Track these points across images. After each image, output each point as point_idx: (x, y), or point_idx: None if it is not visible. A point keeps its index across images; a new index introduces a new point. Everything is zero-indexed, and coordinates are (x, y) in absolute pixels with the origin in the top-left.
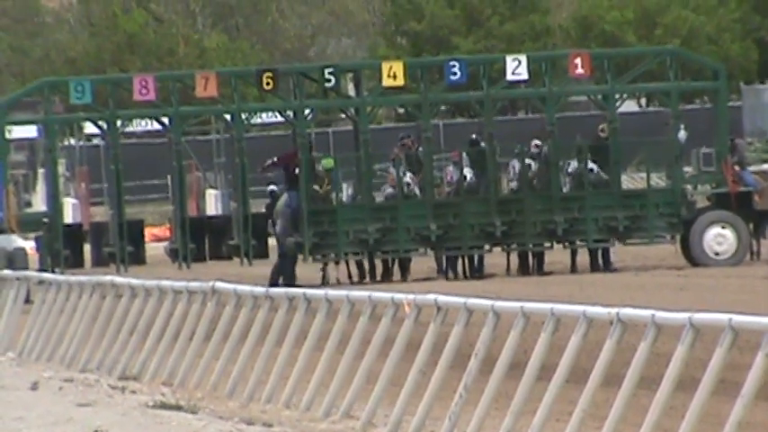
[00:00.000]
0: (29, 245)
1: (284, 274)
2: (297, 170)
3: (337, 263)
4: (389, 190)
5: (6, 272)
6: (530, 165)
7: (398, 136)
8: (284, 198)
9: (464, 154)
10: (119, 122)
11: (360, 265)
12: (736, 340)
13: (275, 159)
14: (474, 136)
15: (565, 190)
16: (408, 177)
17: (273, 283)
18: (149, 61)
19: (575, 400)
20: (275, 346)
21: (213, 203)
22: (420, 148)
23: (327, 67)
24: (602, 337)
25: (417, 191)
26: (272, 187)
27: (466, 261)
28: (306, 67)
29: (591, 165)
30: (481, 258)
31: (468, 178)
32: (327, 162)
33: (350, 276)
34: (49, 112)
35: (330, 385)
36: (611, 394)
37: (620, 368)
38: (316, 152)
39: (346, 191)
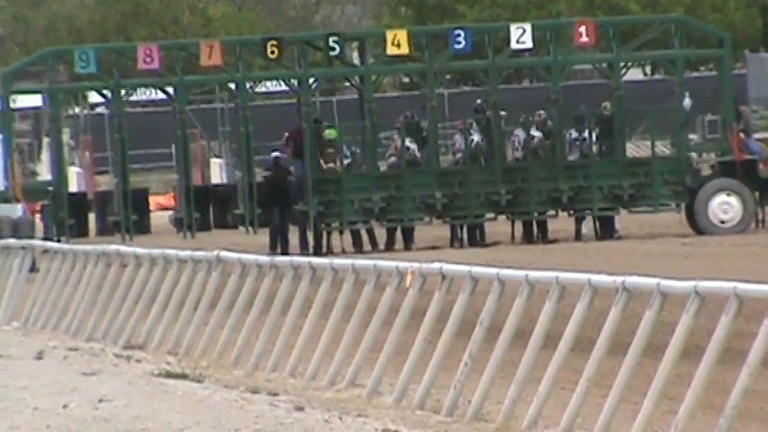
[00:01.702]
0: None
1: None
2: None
3: (341, 232)
4: (393, 159)
5: (11, 241)
6: (534, 136)
7: (404, 114)
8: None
9: (473, 123)
10: (123, 91)
11: (356, 234)
12: (741, 308)
13: (287, 136)
14: (479, 101)
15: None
16: (408, 143)
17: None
18: (154, 30)
19: (580, 368)
20: (280, 314)
21: (218, 172)
22: (422, 122)
23: (332, 35)
24: (607, 306)
25: (417, 154)
26: (275, 153)
27: (470, 230)
28: (310, 35)
29: (533, 132)
30: (482, 227)
31: (476, 141)
32: (330, 132)
33: (354, 245)
34: (53, 82)
35: (335, 354)
36: (616, 362)
37: (625, 336)
38: (321, 121)
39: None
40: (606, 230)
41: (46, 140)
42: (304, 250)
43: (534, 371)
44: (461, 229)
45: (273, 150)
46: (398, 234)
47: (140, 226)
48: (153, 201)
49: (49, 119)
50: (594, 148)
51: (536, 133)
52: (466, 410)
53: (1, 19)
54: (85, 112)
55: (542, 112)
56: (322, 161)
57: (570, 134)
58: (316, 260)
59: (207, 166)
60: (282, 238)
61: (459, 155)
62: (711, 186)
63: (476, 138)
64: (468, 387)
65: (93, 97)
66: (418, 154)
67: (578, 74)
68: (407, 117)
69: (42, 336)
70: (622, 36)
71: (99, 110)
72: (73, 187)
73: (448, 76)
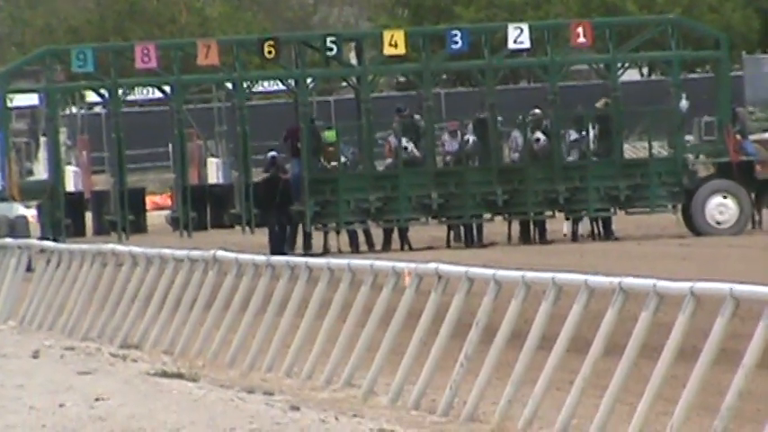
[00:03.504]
0: (30, 213)
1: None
2: (299, 143)
3: (338, 232)
4: (389, 161)
5: (8, 240)
6: (538, 138)
7: (395, 108)
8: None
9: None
10: (120, 91)
11: (353, 234)
12: (737, 310)
13: (285, 134)
14: (481, 115)
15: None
16: (405, 142)
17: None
18: (151, 30)
19: (576, 369)
20: (276, 314)
21: (214, 172)
22: (415, 116)
23: (329, 35)
24: (603, 307)
25: (416, 152)
26: (272, 153)
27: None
28: (308, 35)
29: (538, 134)
30: (480, 227)
31: (471, 140)
32: (330, 135)
33: (351, 245)
34: (50, 81)
35: (331, 354)
36: (612, 363)
37: (621, 337)
38: (319, 121)
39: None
40: (606, 231)
41: (43, 140)
42: (290, 250)
43: (530, 372)
44: (459, 228)
45: (270, 150)
46: (395, 234)
47: (137, 225)
48: (149, 200)
49: (45, 118)
50: (593, 146)
51: (540, 135)
52: (461, 411)
53: None
54: (82, 111)
55: (537, 110)
56: (323, 160)
57: (569, 135)
58: (312, 260)
59: (204, 166)
60: (282, 240)
61: (448, 157)
62: (708, 188)
63: (471, 138)
64: (463, 387)
65: (91, 97)
66: (417, 153)
67: (576, 74)
68: (400, 111)
69: (38, 335)
70: (619, 37)
71: (96, 109)
72: (70, 187)
73: (444, 76)
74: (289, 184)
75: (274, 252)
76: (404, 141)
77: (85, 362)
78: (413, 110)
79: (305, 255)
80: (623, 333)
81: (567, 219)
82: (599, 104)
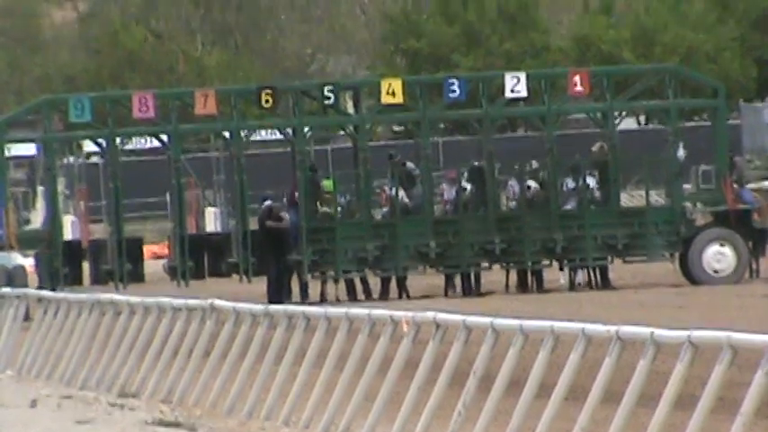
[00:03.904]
0: (28, 262)
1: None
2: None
3: (336, 281)
4: (386, 209)
5: (6, 290)
6: (530, 186)
7: (387, 154)
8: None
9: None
10: (118, 140)
11: (350, 283)
12: (735, 358)
13: (290, 192)
14: (476, 163)
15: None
16: (401, 192)
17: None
18: (149, 79)
19: (574, 417)
20: (274, 363)
21: (212, 221)
22: (408, 164)
23: (327, 84)
24: (601, 355)
25: (406, 199)
26: (268, 202)
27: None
28: (305, 84)
29: (529, 182)
30: (478, 276)
31: (468, 189)
32: (327, 184)
33: (349, 294)
34: (48, 130)
35: (329, 403)
36: (610, 412)
37: (619, 386)
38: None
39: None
40: (603, 280)
41: (40, 189)
42: (287, 299)
43: (528, 420)
44: (457, 277)
45: (265, 199)
46: (393, 283)
47: (134, 274)
48: (147, 249)
49: (43, 168)
50: (597, 194)
51: (532, 183)
52: None
53: None
54: (80, 160)
55: (534, 162)
56: (319, 204)
57: (567, 183)
58: (310, 309)
59: (201, 215)
60: (281, 287)
61: (448, 205)
62: (705, 236)
63: (468, 186)
64: None
65: (88, 146)
66: (407, 200)
67: (573, 123)
68: (392, 157)
69: (36, 384)
70: (616, 86)
71: (94, 159)
72: (67, 236)
73: (442, 125)
74: (287, 232)
75: (272, 301)
76: (396, 189)
77: (83, 411)
78: (409, 158)
79: (302, 304)
80: (621, 381)
81: (561, 269)
82: (594, 148)
